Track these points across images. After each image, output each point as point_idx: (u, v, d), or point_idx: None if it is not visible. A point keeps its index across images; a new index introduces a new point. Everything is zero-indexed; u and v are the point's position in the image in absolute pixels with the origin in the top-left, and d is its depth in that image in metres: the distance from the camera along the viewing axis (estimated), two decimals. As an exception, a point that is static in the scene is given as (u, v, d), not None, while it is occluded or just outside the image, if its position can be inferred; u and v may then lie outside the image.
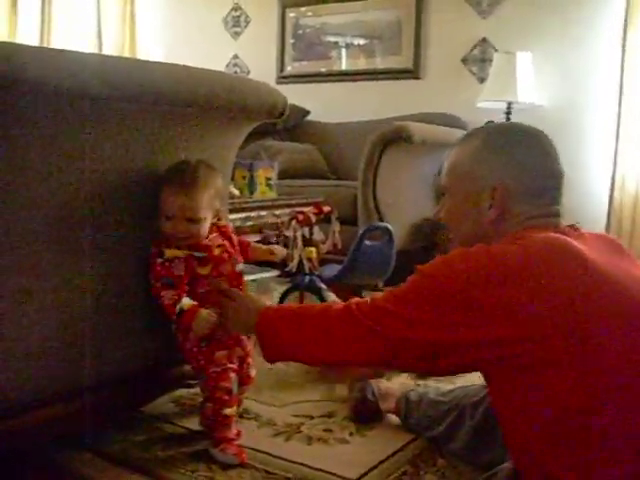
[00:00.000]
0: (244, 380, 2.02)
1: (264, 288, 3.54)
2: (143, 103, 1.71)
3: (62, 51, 1.57)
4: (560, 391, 1.29)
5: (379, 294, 1.55)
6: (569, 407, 1.29)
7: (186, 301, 1.80)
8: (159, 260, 1.81)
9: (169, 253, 1.82)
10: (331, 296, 3.01)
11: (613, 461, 1.27)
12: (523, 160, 1.49)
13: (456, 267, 1.39)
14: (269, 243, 3.17)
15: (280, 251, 2.29)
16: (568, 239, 1.39)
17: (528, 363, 1.30)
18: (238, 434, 1.92)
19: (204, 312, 1.80)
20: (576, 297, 1.30)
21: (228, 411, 1.87)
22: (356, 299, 1.56)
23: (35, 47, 1.56)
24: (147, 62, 1.86)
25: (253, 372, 2.07)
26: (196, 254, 1.85)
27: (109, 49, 6.25)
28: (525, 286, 1.31)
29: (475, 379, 1.87)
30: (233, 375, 1.89)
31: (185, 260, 1.83)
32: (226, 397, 1.86)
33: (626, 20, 4.28)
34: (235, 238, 2.01)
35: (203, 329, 1.80)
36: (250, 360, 2.04)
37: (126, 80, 1.66)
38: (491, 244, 1.43)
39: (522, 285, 1.31)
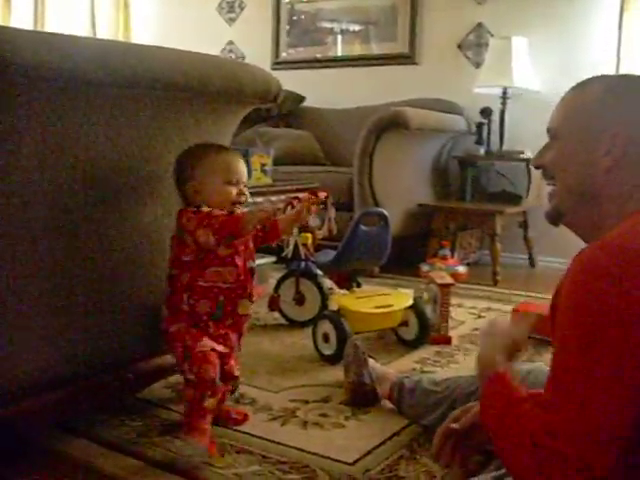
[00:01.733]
0: (227, 376, 1.94)
1: (261, 275, 3.53)
2: (137, 87, 1.71)
3: (55, 34, 1.57)
4: None
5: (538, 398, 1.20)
6: None
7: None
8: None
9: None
10: (327, 282, 3.02)
11: None
12: None
13: (592, 289, 1.13)
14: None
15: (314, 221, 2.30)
16: None
17: None
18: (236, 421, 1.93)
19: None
20: None
21: (207, 403, 1.80)
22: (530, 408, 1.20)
23: (28, 30, 1.54)
24: (141, 46, 1.85)
25: (237, 372, 2.00)
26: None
27: (103, 37, 6.22)
28: None
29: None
30: (217, 363, 1.83)
31: None
32: (208, 388, 1.80)
33: (622, 4, 4.27)
34: None
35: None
36: (234, 357, 1.98)
37: (120, 64, 1.65)
38: (598, 208, 1.32)
39: None
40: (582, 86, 1.42)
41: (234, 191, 1.84)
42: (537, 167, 1.47)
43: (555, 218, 1.44)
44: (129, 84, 1.67)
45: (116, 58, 1.63)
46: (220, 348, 1.87)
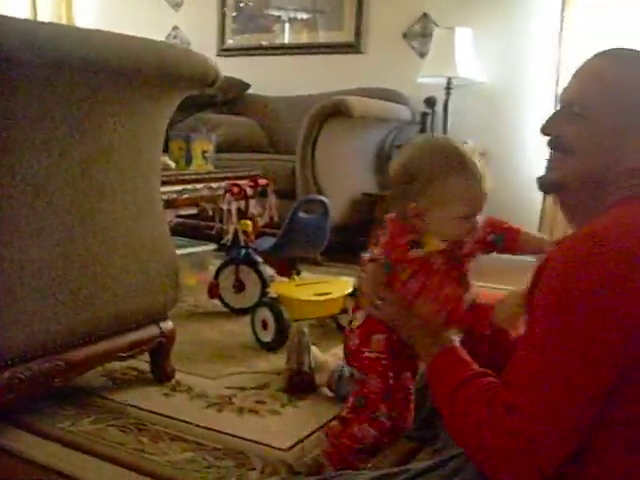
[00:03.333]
0: None
1: (200, 262, 3.52)
2: (69, 70, 1.67)
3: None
4: None
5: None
6: None
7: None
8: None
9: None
10: (267, 270, 3.01)
11: None
12: None
13: (581, 274, 1.11)
14: (206, 217, 3.16)
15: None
16: None
17: None
18: None
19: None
20: None
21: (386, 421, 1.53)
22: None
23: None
24: (72, 27, 1.82)
25: None
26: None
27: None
28: None
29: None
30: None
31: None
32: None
33: (564, -4, 4.33)
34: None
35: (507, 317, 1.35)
36: None
37: (51, 46, 1.61)
38: (602, 197, 1.25)
39: None
40: (619, 60, 1.28)
41: (467, 226, 1.44)
42: (549, 134, 1.35)
43: (551, 190, 1.37)
44: (58, 65, 1.63)
45: (47, 40, 1.59)
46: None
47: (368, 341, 1.53)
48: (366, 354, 1.53)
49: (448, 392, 1.26)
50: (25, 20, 1.62)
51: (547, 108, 4.42)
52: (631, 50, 1.30)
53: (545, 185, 1.37)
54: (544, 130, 1.36)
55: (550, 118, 1.36)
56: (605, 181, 1.25)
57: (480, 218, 1.45)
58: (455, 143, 1.46)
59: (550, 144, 1.35)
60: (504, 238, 1.55)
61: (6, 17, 1.58)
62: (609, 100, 1.25)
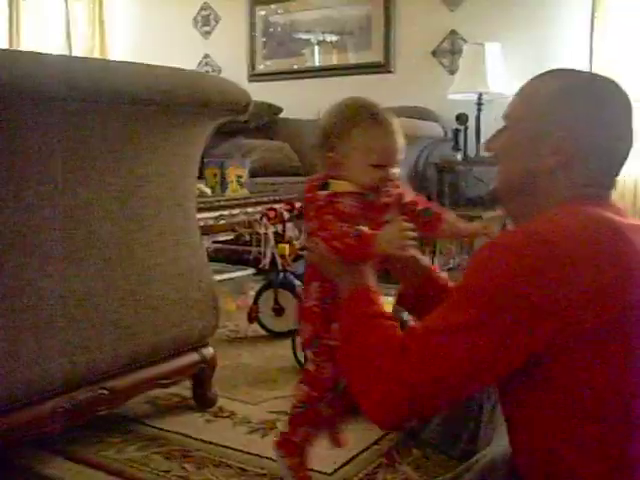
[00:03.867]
0: None
1: (239, 287, 3.53)
2: (101, 102, 1.70)
3: (18, 52, 1.56)
4: (613, 382, 1.20)
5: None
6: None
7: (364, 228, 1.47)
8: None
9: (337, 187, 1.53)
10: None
11: None
12: (601, 115, 1.33)
13: (498, 263, 1.21)
14: (243, 242, 3.18)
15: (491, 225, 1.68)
16: (619, 218, 1.27)
17: (584, 354, 1.19)
18: None
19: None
20: (631, 282, 1.20)
21: (324, 410, 1.62)
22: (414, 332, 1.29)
23: (-10, 48, 1.54)
24: (106, 61, 1.85)
25: None
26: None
27: (79, 53, 6.22)
28: (580, 269, 1.17)
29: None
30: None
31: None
32: (328, 392, 1.61)
33: (593, 7, 4.30)
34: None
35: (391, 245, 1.42)
36: None
37: (85, 80, 1.64)
38: (534, 202, 1.34)
39: (576, 268, 1.16)
40: (542, 78, 1.41)
41: (379, 175, 1.51)
42: (488, 150, 1.49)
43: (490, 201, 1.47)
44: (92, 98, 1.66)
45: (80, 73, 1.63)
46: None
47: (307, 290, 1.60)
48: (305, 304, 1.60)
49: (352, 324, 1.39)
50: (60, 56, 1.65)
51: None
52: (563, 69, 1.43)
53: (488, 197, 1.47)
54: (485, 148, 1.51)
55: (490, 137, 1.49)
56: (535, 190, 1.35)
57: (396, 170, 1.54)
58: (367, 101, 1.59)
59: (491, 160, 1.50)
60: (432, 215, 1.62)
61: (42, 54, 1.61)
62: (526, 109, 1.39)
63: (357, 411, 2.11)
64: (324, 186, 1.54)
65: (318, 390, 1.59)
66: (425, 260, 1.71)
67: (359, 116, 1.53)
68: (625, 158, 1.36)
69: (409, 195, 1.63)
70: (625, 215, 1.32)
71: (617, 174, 1.37)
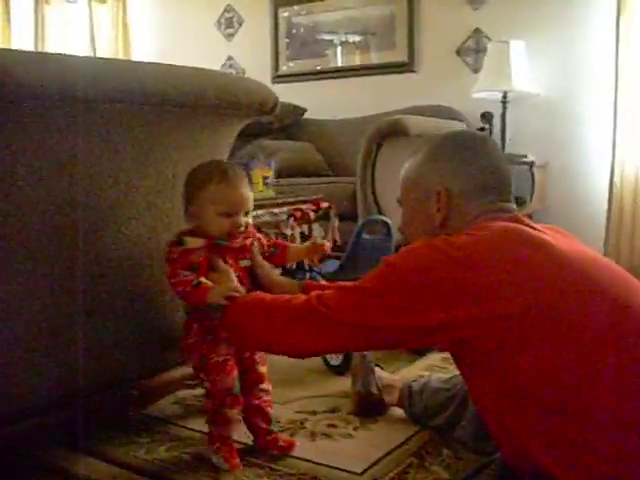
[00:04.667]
0: (253, 379, 1.95)
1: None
2: (130, 103, 1.71)
3: (46, 54, 1.57)
4: (542, 369, 1.30)
5: (333, 286, 1.60)
6: (553, 385, 1.30)
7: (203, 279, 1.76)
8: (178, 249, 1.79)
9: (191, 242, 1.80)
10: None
11: (601, 443, 1.27)
12: (462, 163, 1.56)
13: (419, 253, 1.43)
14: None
15: (321, 241, 2.07)
16: (523, 226, 1.46)
17: (507, 342, 1.32)
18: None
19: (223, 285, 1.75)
20: (541, 276, 1.35)
21: (228, 412, 1.83)
22: (315, 292, 1.55)
23: (19, 51, 1.55)
24: (133, 62, 1.86)
25: (262, 369, 1.99)
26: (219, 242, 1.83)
27: (103, 55, 6.25)
28: (487, 266, 1.35)
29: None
30: (235, 373, 1.84)
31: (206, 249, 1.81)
32: (227, 397, 1.82)
33: (618, 5, 4.27)
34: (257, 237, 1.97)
35: (219, 296, 1.71)
36: (256, 358, 1.97)
37: (112, 81, 1.65)
38: None
39: (484, 266, 1.36)
40: (413, 154, 1.65)
41: (227, 222, 1.79)
42: (402, 233, 1.73)
43: None
44: (121, 100, 1.67)
45: (108, 75, 1.64)
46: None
47: (189, 330, 1.87)
48: (188, 341, 1.86)
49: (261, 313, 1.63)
50: (87, 57, 1.67)
51: (605, 117, 4.36)
52: (420, 142, 1.67)
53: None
54: (399, 231, 1.76)
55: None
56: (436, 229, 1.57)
57: (243, 219, 1.82)
58: (222, 162, 1.94)
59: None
60: (278, 249, 2.01)
61: (70, 56, 1.62)
62: (404, 184, 1.67)
63: (381, 412, 2.14)
64: (180, 242, 1.79)
65: (218, 399, 1.82)
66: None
67: (211, 173, 1.80)
68: (504, 187, 1.57)
69: (263, 239, 1.99)
70: (530, 225, 1.49)
71: (507, 200, 1.56)
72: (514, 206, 1.57)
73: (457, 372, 2.14)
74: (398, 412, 2.14)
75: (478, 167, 1.55)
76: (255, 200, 3.09)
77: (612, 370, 1.29)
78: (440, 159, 1.58)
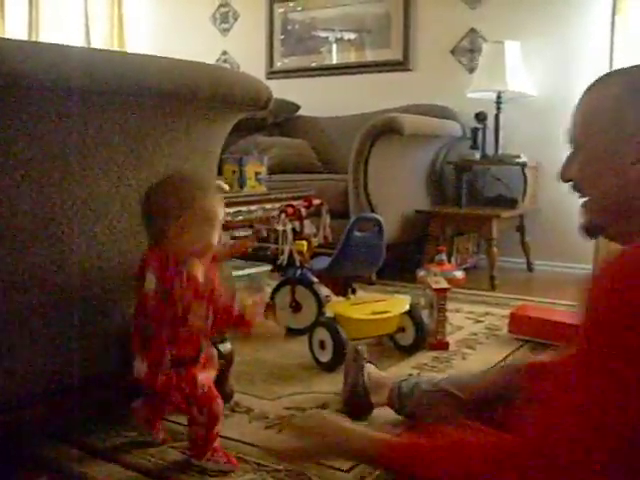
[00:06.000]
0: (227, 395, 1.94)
1: (257, 283, 3.53)
2: (124, 95, 1.70)
3: (41, 44, 1.56)
4: None
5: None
6: None
7: None
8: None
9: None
10: (323, 289, 3.01)
11: None
12: None
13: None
14: (261, 238, 3.17)
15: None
16: None
17: None
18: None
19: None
20: None
21: (217, 430, 1.79)
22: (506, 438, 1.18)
23: (13, 40, 1.54)
24: (128, 54, 1.85)
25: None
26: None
27: (97, 47, 6.24)
28: None
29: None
30: (217, 393, 1.80)
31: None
32: (218, 421, 1.78)
33: (614, 6, 4.28)
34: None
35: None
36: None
37: (107, 72, 1.64)
38: (637, 219, 1.25)
39: None
40: (599, 85, 1.33)
41: (215, 237, 1.74)
42: (565, 181, 1.37)
43: (593, 233, 1.37)
44: (115, 92, 1.67)
45: (103, 66, 1.63)
46: (212, 373, 1.85)
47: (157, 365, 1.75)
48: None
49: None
50: (82, 48, 1.66)
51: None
52: (611, 72, 1.35)
53: (585, 233, 1.38)
54: (561, 179, 1.39)
55: (563, 164, 1.38)
56: (632, 205, 1.25)
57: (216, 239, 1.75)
58: (185, 181, 1.78)
59: (573, 189, 1.37)
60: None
61: (65, 46, 1.61)
62: (592, 124, 1.30)
63: (368, 412, 2.13)
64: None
65: (210, 426, 1.77)
66: None
67: (183, 200, 1.70)
68: None
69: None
70: None
71: None
72: None
73: (446, 374, 2.16)
74: (386, 411, 2.13)
75: None
76: (247, 195, 3.11)
77: None
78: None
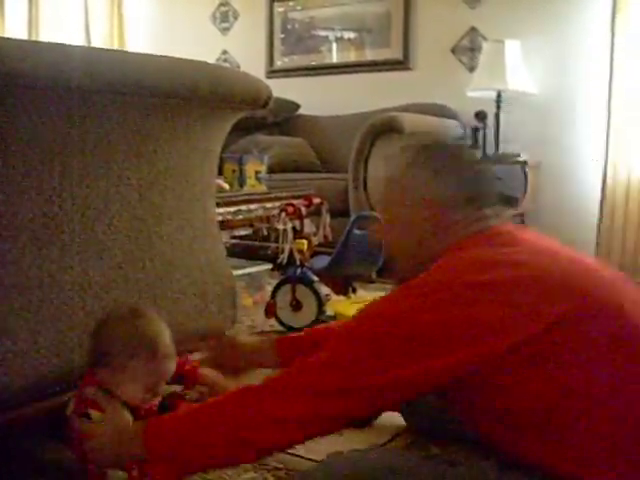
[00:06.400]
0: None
1: (256, 282, 3.53)
2: (124, 94, 1.70)
3: (41, 43, 1.56)
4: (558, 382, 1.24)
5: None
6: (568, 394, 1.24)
7: None
8: None
9: None
10: (323, 288, 3.01)
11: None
12: (445, 172, 1.48)
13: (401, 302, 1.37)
14: (261, 237, 3.18)
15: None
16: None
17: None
18: None
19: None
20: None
21: None
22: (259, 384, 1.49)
23: (13, 39, 1.54)
24: (128, 53, 1.85)
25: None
26: None
27: (97, 46, 6.24)
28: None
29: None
30: None
31: None
32: None
33: (614, 5, 4.27)
34: None
35: None
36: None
37: (107, 71, 1.64)
38: (435, 260, 1.41)
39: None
40: (392, 161, 1.56)
41: (149, 395, 1.62)
42: (377, 240, 1.66)
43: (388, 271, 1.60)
44: (115, 91, 1.66)
45: (103, 65, 1.63)
46: None
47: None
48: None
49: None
50: (82, 47, 1.66)
51: (599, 118, 4.37)
52: (408, 144, 1.57)
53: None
54: (376, 239, 1.70)
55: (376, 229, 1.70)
56: (422, 249, 1.48)
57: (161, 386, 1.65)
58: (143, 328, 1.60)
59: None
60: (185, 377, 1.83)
61: (65, 45, 1.61)
62: (389, 197, 1.56)
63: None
64: (86, 415, 1.55)
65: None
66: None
67: (138, 347, 1.57)
68: (488, 195, 1.52)
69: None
70: (522, 232, 1.47)
71: (492, 205, 1.51)
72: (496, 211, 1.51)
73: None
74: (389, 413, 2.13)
75: (462, 176, 1.49)
76: (247, 194, 3.11)
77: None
78: (424, 167, 1.49)
